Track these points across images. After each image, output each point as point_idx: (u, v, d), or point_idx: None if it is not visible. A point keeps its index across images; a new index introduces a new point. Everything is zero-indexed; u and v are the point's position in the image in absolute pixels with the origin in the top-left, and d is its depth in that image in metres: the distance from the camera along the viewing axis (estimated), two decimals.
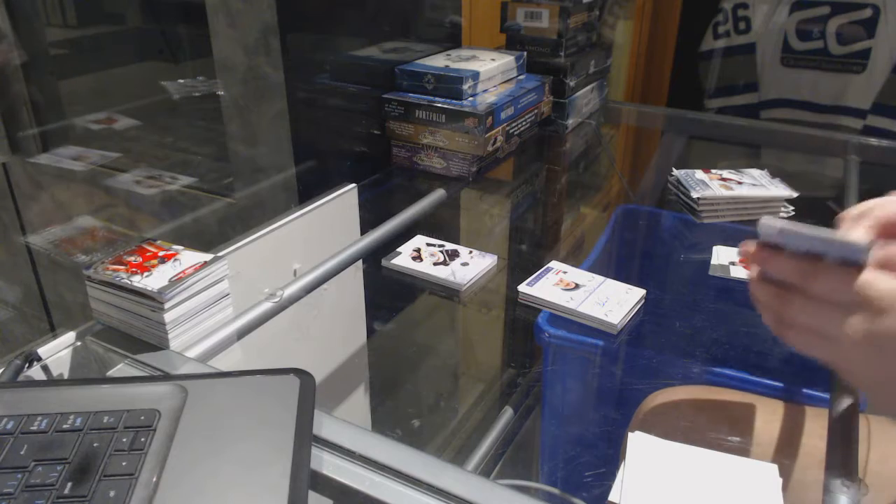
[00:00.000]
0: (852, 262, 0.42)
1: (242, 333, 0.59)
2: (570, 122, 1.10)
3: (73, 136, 0.76)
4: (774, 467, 0.48)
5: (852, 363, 0.43)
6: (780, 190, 0.90)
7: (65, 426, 0.40)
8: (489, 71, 0.94)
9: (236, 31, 0.80)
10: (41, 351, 0.51)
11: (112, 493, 0.36)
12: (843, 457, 0.46)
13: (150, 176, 0.80)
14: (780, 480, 0.47)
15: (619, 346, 0.70)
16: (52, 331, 0.54)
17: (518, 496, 0.39)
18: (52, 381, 0.51)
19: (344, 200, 0.84)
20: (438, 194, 0.88)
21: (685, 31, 1.92)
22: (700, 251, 0.83)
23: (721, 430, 0.65)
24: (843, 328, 0.42)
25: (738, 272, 0.78)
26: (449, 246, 0.83)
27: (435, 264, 0.78)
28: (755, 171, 0.96)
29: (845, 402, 0.52)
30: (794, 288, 0.44)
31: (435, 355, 1.29)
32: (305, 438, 0.40)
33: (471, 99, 0.90)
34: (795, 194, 0.90)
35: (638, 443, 0.51)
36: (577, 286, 0.73)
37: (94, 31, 0.78)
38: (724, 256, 0.82)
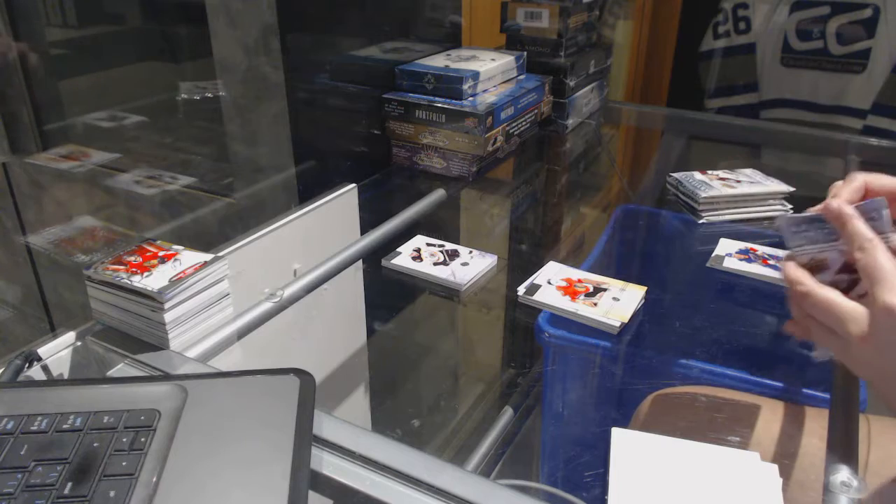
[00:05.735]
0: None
1: (242, 333, 0.59)
2: (570, 122, 1.10)
3: (74, 135, 0.76)
4: (774, 467, 0.48)
5: (858, 361, 0.47)
6: (778, 185, 0.91)
7: (65, 426, 0.40)
8: (489, 71, 0.94)
9: (236, 31, 0.80)
10: (41, 351, 0.51)
11: (112, 493, 0.36)
12: (843, 457, 0.46)
13: (150, 176, 0.80)
14: (780, 480, 0.47)
15: (619, 346, 0.69)
16: (52, 331, 0.54)
17: (518, 496, 0.39)
18: (52, 381, 0.51)
19: (344, 200, 0.84)
20: (438, 194, 0.88)
21: (685, 31, 1.92)
22: (700, 251, 0.83)
23: (721, 430, 0.65)
24: (847, 329, 0.46)
25: (732, 264, 0.78)
26: (449, 246, 0.83)
27: (435, 264, 0.78)
28: (747, 171, 0.96)
29: (845, 403, 0.52)
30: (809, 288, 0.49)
31: (435, 355, 1.29)
32: (305, 438, 0.40)
33: (471, 99, 0.90)
34: (792, 189, 0.90)
35: (625, 440, 0.51)
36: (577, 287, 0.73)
37: (95, 31, 0.78)
38: (724, 249, 0.82)
